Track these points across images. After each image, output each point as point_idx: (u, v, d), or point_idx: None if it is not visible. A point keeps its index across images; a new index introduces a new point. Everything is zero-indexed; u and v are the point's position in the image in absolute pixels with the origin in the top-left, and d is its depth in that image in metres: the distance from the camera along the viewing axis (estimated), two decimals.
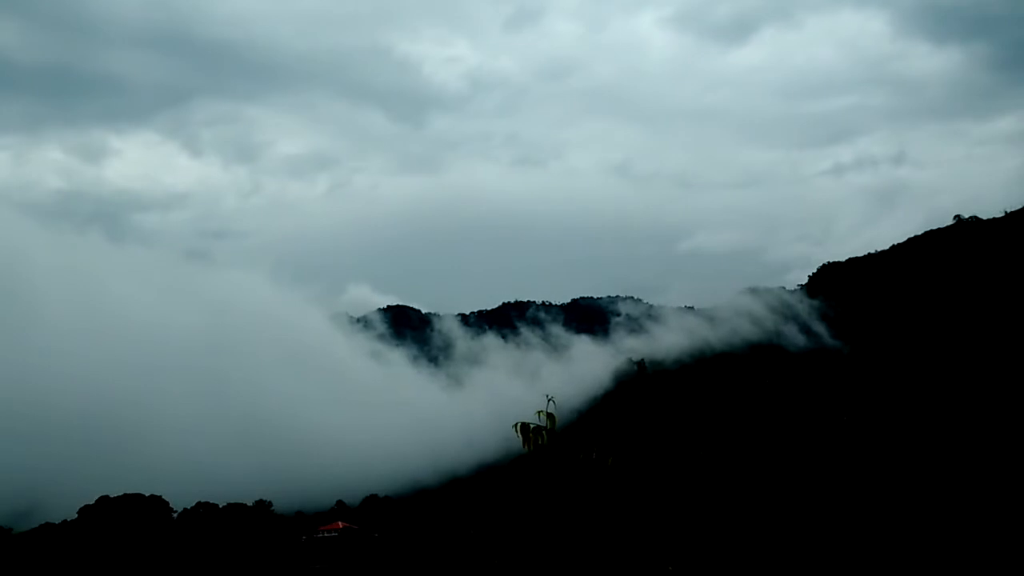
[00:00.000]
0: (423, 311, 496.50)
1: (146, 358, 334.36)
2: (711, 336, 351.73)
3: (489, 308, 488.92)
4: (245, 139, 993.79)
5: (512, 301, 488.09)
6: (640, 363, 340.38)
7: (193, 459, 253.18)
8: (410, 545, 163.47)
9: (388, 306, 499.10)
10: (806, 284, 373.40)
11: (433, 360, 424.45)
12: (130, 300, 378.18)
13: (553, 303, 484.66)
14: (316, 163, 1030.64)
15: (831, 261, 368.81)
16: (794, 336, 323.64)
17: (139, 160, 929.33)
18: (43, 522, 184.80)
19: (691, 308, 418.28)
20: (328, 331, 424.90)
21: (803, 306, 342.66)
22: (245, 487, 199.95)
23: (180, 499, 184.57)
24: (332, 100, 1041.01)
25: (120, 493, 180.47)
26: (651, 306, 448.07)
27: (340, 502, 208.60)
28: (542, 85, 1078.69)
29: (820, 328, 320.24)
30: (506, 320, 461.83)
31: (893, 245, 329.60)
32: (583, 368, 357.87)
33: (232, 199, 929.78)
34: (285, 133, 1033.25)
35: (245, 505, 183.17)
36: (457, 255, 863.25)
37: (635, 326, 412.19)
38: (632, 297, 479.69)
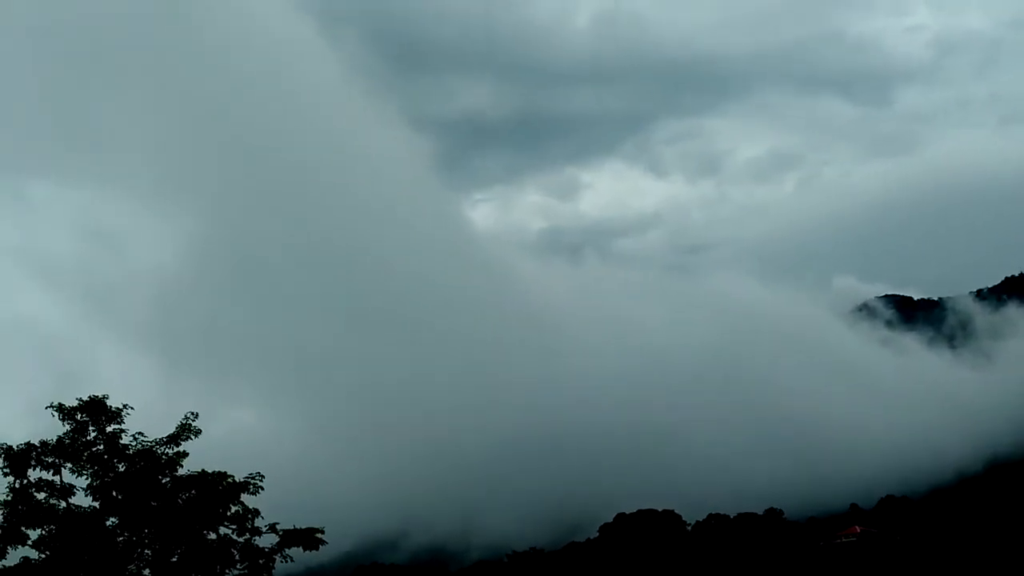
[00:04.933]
0: (916, 296, 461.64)
1: (659, 372, 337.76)
2: None
3: (993, 284, 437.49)
4: (705, 152, 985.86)
5: (1014, 275, 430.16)
6: None
7: (704, 469, 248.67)
8: (941, 547, 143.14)
9: (886, 294, 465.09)
10: None
11: (949, 341, 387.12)
12: (638, 319, 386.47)
13: None
14: (780, 163, 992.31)
15: None
16: None
17: (609, 189, 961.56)
18: (570, 541, 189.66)
19: None
20: (831, 324, 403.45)
21: None
22: (755, 495, 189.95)
23: (692, 511, 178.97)
24: (787, 96, 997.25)
25: (635, 509, 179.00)
26: None
27: (854, 505, 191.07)
28: (1020, 34, 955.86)
29: None
30: None
31: None
32: None
33: (701, 213, 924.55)
34: (744, 139, 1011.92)
35: (756, 514, 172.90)
36: (946, 233, 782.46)
37: None
38: None
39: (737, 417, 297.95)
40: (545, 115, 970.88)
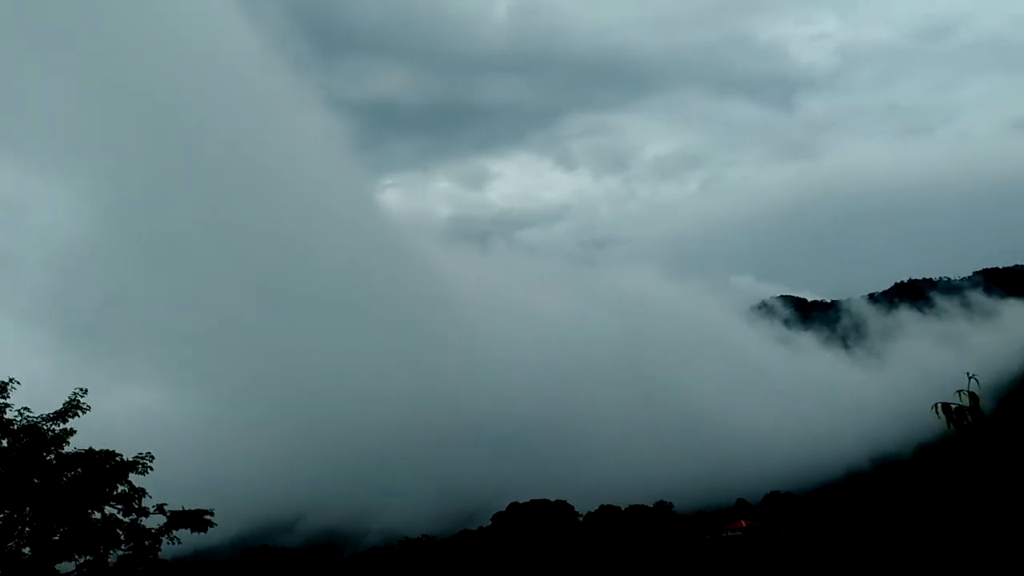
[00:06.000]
0: (810, 298, 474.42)
1: (562, 363, 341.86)
2: None
3: (885, 288, 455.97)
4: (614, 147, 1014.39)
5: (904, 281, 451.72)
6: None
7: (600, 461, 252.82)
8: (822, 542, 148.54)
9: (782, 295, 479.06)
10: None
11: (843, 341, 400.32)
12: (544, 309, 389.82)
13: (959, 276, 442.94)
14: (686, 162, 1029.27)
15: None
16: None
17: (518, 180, 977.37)
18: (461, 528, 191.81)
19: None
20: (731, 321, 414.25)
21: None
22: (648, 487, 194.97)
23: (586, 502, 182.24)
24: (696, 97, 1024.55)
25: (529, 499, 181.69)
26: None
27: (741, 500, 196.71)
28: (921, 47, 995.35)
29: None
30: (916, 294, 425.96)
31: None
32: (1016, 334, 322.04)
33: (607, 207, 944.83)
34: (652, 136, 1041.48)
35: (646, 507, 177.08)
36: (841, 238, 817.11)
37: None
38: None
39: (636, 410, 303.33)
40: (458, 103, 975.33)
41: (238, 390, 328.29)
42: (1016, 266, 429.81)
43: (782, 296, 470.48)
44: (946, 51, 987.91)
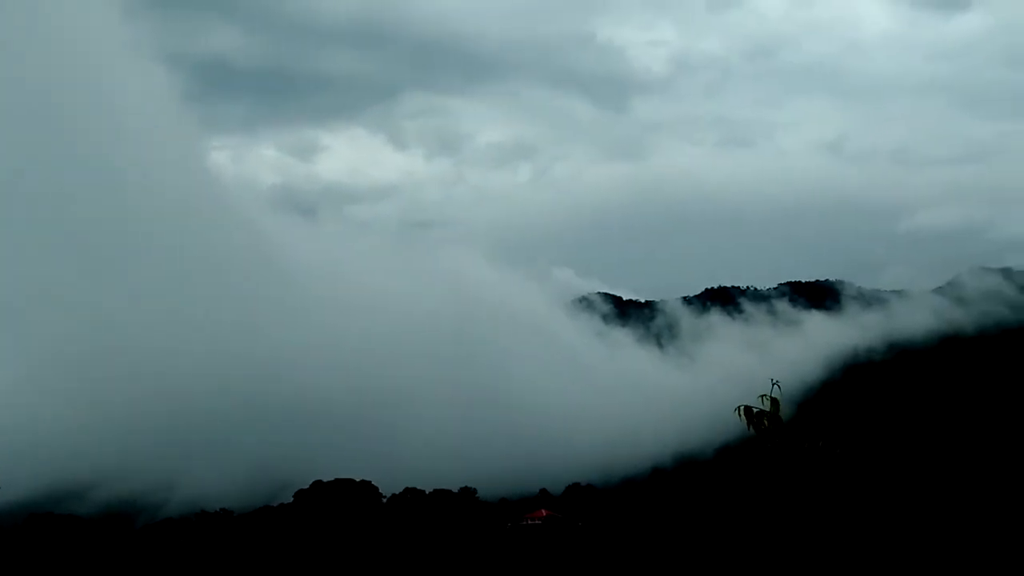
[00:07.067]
0: (625, 296, 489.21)
1: (382, 341, 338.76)
2: (958, 317, 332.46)
3: (696, 292, 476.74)
4: (448, 131, 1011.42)
5: (716, 287, 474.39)
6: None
7: (410, 442, 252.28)
8: (619, 534, 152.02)
9: (600, 291, 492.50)
10: None
11: (657, 340, 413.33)
12: (368, 286, 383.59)
13: (766, 286, 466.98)
14: (518, 152, 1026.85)
15: None
16: None
17: (347, 154, 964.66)
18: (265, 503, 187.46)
19: (937, 289, 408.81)
20: (552, 313, 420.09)
21: None
22: (457, 472, 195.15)
23: (391, 483, 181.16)
24: (533, 89, 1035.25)
25: (333, 478, 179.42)
26: (877, 289, 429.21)
27: (544, 490, 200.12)
28: (749, 64, 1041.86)
29: None
30: (727, 299, 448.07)
31: None
32: (814, 344, 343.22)
33: (436, 190, 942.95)
34: (487, 123, 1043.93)
35: (451, 491, 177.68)
36: (662, 240, 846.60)
37: (862, 305, 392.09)
38: (847, 279, 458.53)
39: (450, 393, 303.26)
40: (292, 71, 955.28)
41: (38, 351, 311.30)
42: (818, 280, 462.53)
43: (601, 292, 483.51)
44: (772, 70, 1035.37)
